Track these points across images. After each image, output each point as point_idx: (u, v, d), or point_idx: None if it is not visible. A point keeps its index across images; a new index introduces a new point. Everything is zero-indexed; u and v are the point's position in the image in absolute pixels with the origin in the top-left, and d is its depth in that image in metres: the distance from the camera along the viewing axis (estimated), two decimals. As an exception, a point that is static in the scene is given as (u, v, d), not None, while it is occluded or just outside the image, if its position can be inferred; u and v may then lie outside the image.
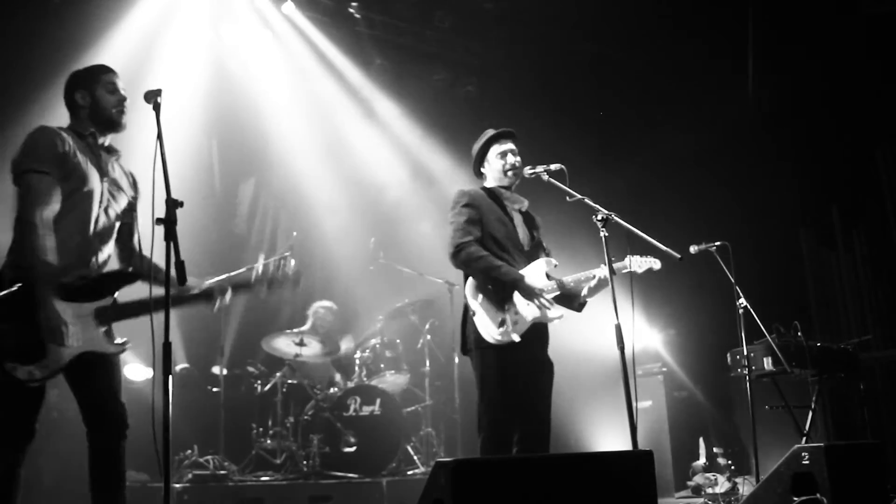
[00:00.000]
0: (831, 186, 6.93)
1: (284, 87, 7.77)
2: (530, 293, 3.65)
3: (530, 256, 3.89)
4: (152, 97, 3.11)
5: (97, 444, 3.08)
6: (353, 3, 7.49)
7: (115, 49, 6.43)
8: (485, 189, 3.99)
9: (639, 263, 3.80)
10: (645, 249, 3.54)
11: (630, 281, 3.63)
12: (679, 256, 3.50)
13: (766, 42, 6.58)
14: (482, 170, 4.05)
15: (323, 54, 7.75)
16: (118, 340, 3.12)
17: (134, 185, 3.41)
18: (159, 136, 2.95)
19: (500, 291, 3.72)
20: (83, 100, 3.28)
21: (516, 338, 3.64)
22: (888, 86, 6.25)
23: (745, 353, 5.03)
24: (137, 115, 3.41)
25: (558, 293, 3.78)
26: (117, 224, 3.29)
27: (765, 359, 5.12)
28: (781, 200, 7.21)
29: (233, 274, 3.47)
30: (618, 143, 7.38)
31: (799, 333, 5.19)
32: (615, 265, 3.64)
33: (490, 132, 4.01)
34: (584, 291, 3.82)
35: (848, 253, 6.73)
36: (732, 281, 4.85)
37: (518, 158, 3.95)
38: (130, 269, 2.78)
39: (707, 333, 6.79)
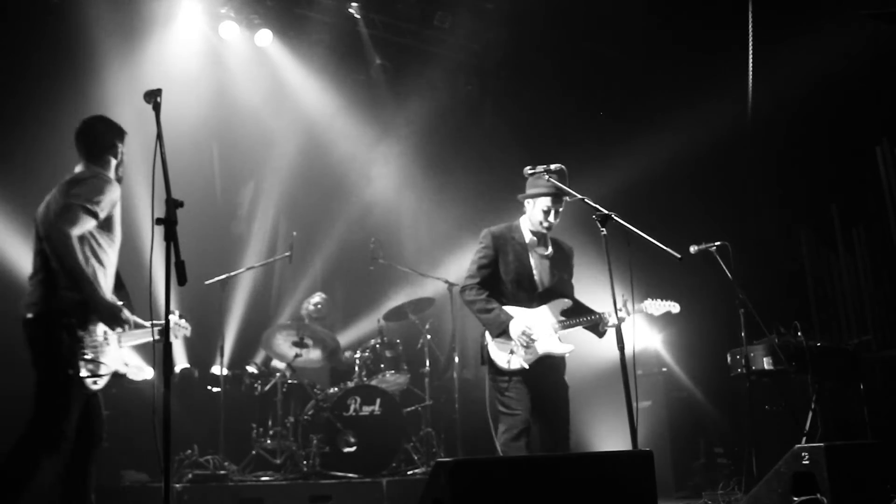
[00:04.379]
0: (831, 186, 6.91)
1: (284, 88, 7.77)
2: (516, 335, 3.88)
3: (545, 296, 4.06)
4: (152, 97, 3.12)
5: (81, 454, 3.34)
6: (353, 3, 7.49)
7: (114, 49, 6.42)
8: (515, 227, 4.14)
9: (656, 307, 4.13)
10: (645, 250, 3.53)
11: (630, 281, 3.62)
12: (679, 256, 3.50)
13: (766, 41, 6.57)
14: (525, 204, 4.12)
15: (322, 56, 7.75)
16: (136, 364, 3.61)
17: None
18: (159, 136, 2.96)
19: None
20: (121, 154, 3.66)
21: (525, 365, 3.90)
22: (888, 85, 6.24)
23: (745, 353, 5.02)
24: (138, 116, 3.41)
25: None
26: None
27: (765, 359, 5.11)
28: (781, 200, 7.19)
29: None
30: (618, 143, 7.36)
31: (799, 333, 5.18)
32: (633, 306, 3.91)
33: (549, 184, 3.94)
34: (601, 327, 4.06)
35: (848, 253, 6.72)
36: (732, 281, 4.85)
37: (557, 220, 4.05)
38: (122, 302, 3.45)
39: (707, 333, 6.78)
